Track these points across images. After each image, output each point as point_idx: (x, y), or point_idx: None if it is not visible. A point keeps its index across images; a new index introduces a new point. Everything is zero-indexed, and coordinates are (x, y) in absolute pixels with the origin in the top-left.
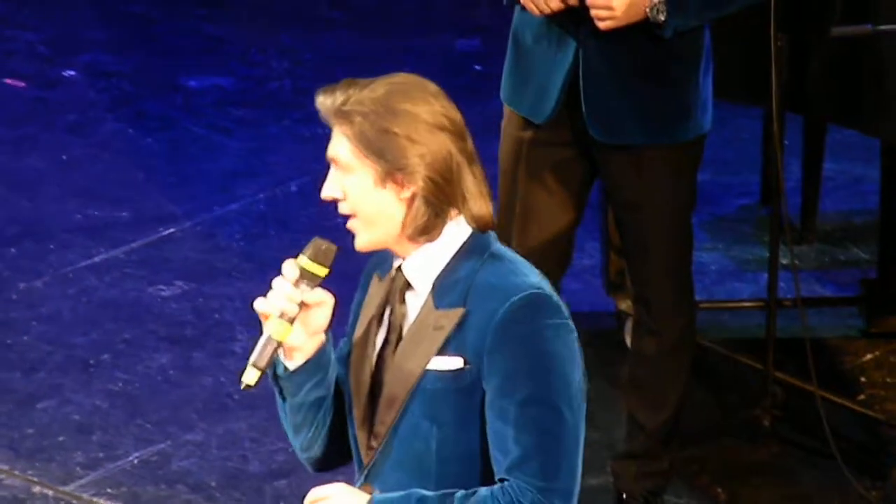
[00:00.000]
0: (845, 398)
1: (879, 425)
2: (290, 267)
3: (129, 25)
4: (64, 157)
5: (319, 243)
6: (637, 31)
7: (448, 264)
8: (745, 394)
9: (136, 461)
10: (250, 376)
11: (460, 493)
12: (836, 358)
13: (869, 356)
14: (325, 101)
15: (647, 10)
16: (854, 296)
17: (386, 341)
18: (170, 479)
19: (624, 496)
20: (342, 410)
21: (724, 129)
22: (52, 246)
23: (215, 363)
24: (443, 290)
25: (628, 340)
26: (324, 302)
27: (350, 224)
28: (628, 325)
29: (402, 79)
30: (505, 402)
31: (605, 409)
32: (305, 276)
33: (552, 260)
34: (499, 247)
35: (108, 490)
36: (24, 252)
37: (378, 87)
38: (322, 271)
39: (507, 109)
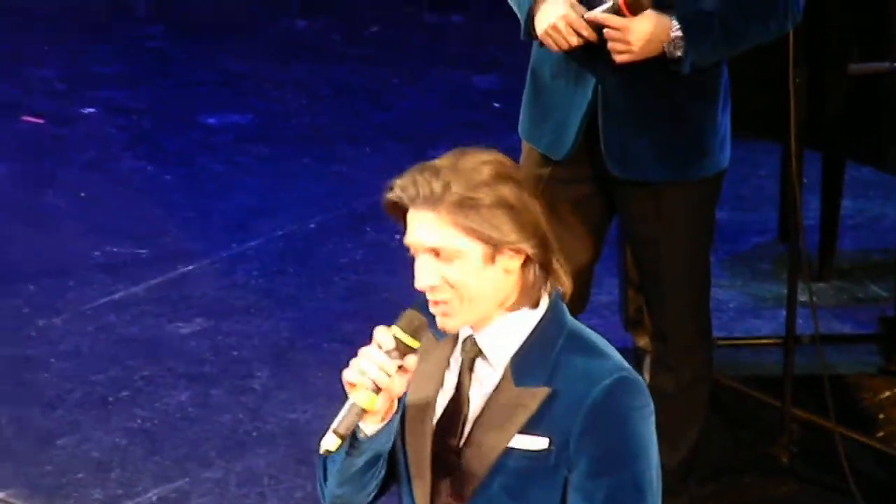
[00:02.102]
0: (863, 435)
1: None
2: (385, 336)
3: (146, 61)
4: (83, 194)
5: (413, 315)
6: (655, 68)
7: (526, 341)
8: (762, 430)
9: (154, 498)
10: (332, 443)
11: None
12: (854, 395)
13: (887, 393)
14: (415, 191)
15: (665, 45)
16: (872, 333)
17: (451, 407)
18: None
19: None
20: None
21: (742, 166)
22: (71, 283)
23: (234, 400)
24: (522, 366)
25: (647, 377)
26: (410, 370)
27: (445, 308)
28: (647, 362)
29: (483, 154)
30: (592, 485)
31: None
32: (399, 346)
33: (571, 296)
34: (574, 321)
35: None
36: (43, 289)
37: (469, 165)
38: (415, 344)
39: (525, 146)
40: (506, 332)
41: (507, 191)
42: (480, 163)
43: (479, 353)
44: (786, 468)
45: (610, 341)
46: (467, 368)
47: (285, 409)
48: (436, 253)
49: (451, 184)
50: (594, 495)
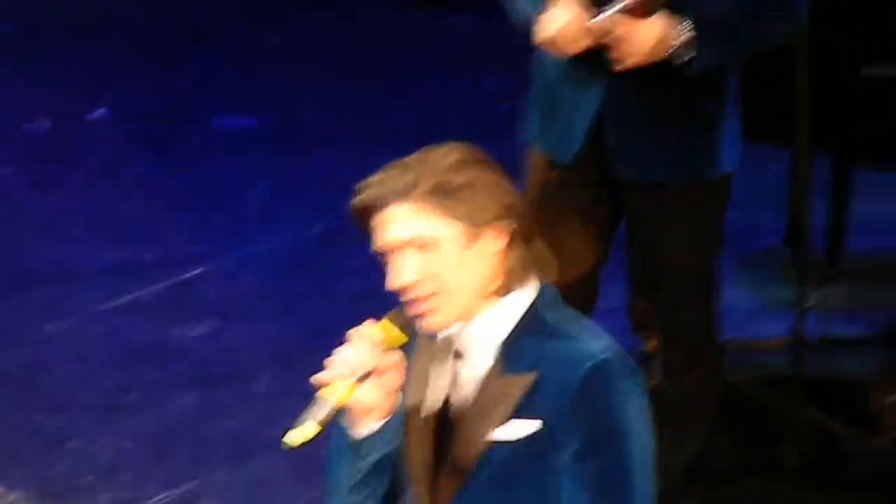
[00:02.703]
0: (873, 439)
1: None
2: (369, 333)
3: (155, 64)
4: (91, 198)
5: (398, 313)
6: (664, 70)
7: (513, 330)
8: (772, 433)
9: (163, 502)
10: (296, 437)
11: None
12: (863, 398)
13: None
14: (385, 187)
15: (671, 48)
16: (881, 336)
17: (439, 409)
18: None
19: None
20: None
21: (750, 168)
22: (78, 287)
23: (241, 404)
24: (511, 354)
25: (654, 381)
26: (398, 364)
27: (426, 306)
28: (654, 366)
29: (449, 145)
30: (581, 468)
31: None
32: (383, 342)
33: (578, 300)
34: (560, 309)
35: None
36: (51, 292)
37: (435, 155)
38: (402, 339)
39: (531, 150)
40: (492, 322)
41: (478, 171)
42: (447, 152)
43: (460, 350)
44: (795, 471)
45: (621, 345)
46: (451, 367)
47: (292, 414)
48: (414, 246)
49: (420, 174)
50: (582, 477)
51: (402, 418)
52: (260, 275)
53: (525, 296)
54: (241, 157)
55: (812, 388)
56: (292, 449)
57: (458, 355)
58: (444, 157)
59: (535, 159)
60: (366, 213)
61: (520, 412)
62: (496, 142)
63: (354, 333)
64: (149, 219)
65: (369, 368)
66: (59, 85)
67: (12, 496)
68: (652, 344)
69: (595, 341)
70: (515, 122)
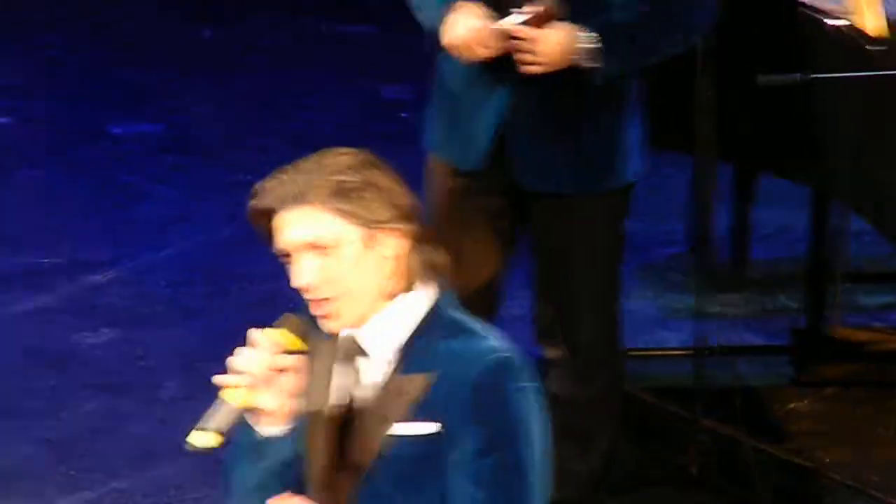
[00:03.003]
0: (774, 446)
1: (808, 474)
2: (260, 336)
3: (51, 70)
4: None
5: (292, 318)
6: (566, 79)
7: (414, 331)
8: (673, 441)
9: None
10: (199, 439)
11: None
12: (765, 406)
13: (798, 404)
14: (283, 190)
15: (575, 56)
16: (783, 344)
17: (336, 406)
18: None
19: None
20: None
21: (651, 177)
22: None
23: (142, 410)
24: (408, 355)
25: (557, 388)
26: (299, 367)
27: (327, 309)
28: (557, 374)
29: (344, 149)
30: (475, 465)
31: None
32: (277, 347)
33: (482, 308)
34: (455, 306)
35: None
36: None
37: (331, 159)
38: (298, 344)
39: (432, 158)
40: (388, 325)
41: (373, 173)
42: (341, 154)
43: (360, 350)
44: (696, 479)
45: (524, 354)
46: (351, 367)
47: (194, 420)
48: (314, 247)
49: (317, 177)
50: (477, 476)
51: (304, 420)
52: (163, 281)
53: (423, 297)
54: (144, 163)
55: (713, 397)
56: (196, 450)
57: (357, 356)
58: (340, 160)
59: (437, 167)
60: (264, 217)
61: (419, 410)
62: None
63: (254, 337)
64: (50, 224)
65: (268, 372)
66: None
67: None
68: (555, 352)
69: (494, 340)
70: (416, 130)
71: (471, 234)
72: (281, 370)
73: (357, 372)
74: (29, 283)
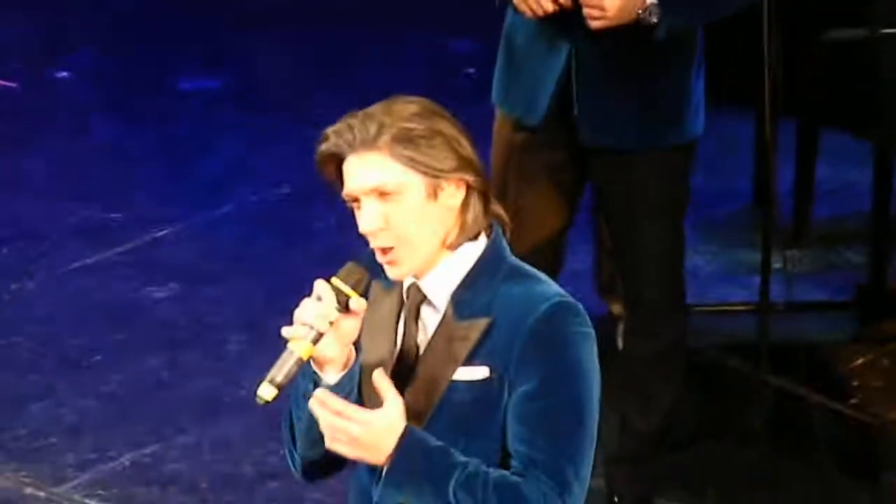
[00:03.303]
0: (837, 402)
1: (870, 429)
2: (324, 288)
3: (120, 26)
4: (57, 159)
5: (352, 267)
6: (630, 34)
7: (466, 276)
8: (736, 398)
9: (127, 463)
10: (268, 392)
11: (494, 473)
12: (828, 362)
13: (861, 360)
14: (352, 135)
15: (640, 11)
16: (846, 300)
17: (400, 357)
18: (161, 482)
19: (616, 499)
20: None
21: (717, 132)
22: (44, 247)
23: (207, 365)
24: (463, 302)
25: (621, 343)
26: (357, 316)
27: (390, 256)
28: (621, 329)
29: (409, 98)
30: (531, 407)
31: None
32: (339, 297)
33: (544, 263)
34: (514, 258)
35: (100, 492)
36: (17, 253)
37: (399, 106)
38: (353, 293)
39: (498, 112)
40: (448, 272)
41: (440, 122)
42: (409, 102)
43: (424, 298)
44: (759, 435)
45: (583, 308)
46: (413, 317)
47: (259, 375)
48: (380, 193)
49: (385, 122)
50: (530, 417)
51: (361, 369)
52: (227, 236)
53: (478, 247)
54: (208, 118)
55: (777, 353)
56: (265, 402)
57: (420, 304)
58: (408, 107)
59: (502, 121)
60: (331, 161)
61: (478, 355)
62: (463, 104)
63: (317, 287)
64: (115, 180)
65: (330, 321)
66: (23, 47)
67: None
68: (617, 308)
69: (547, 286)
70: (484, 84)
71: (534, 189)
72: (343, 318)
73: (419, 320)
74: (94, 238)
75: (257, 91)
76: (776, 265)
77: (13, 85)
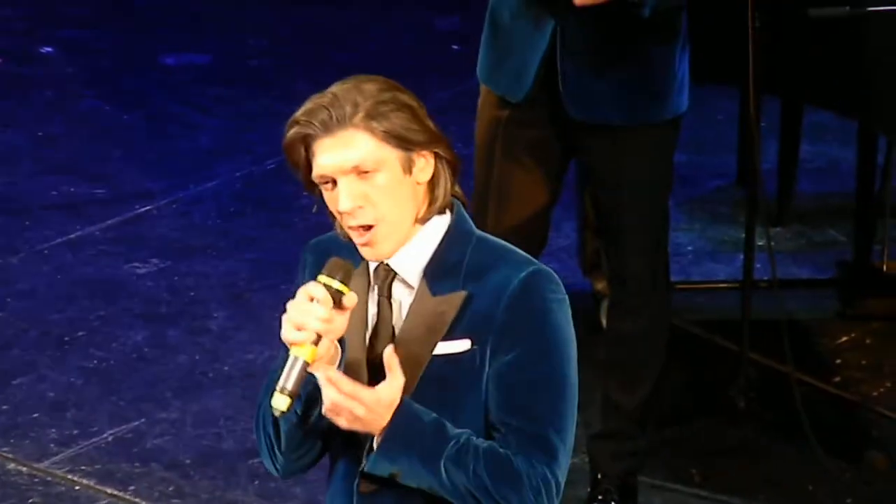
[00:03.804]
0: (820, 380)
1: (854, 407)
2: (318, 289)
3: (106, 1)
4: (40, 134)
5: (338, 261)
6: (615, 11)
7: (436, 251)
8: (720, 375)
9: (110, 438)
10: (283, 402)
11: (484, 444)
12: (811, 340)
13: (845, 338)
14: (326, 115)
15: None
16: (830, 278)
17: (374, 336)
18: (144, 457)
19: (599, 476)
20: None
21: (700, 110)
22: (27, 222)
23: (190, 341)
24: (436, 278)
25: (604, 321)
26: (349, 308)
27: (370, 236)
28: (604, 306)
29: (368, 76)
30: (515, 378)
31: (581, 389)
32: (332, 294)
33: (528, 239)
34: (482, 232)
35: (83, 467)
36: (0, 228)
37: (366, 84)
38: (346, 289)
39: (483, 88)
40: (418, 249)
41: (404, 96)
42: (371, 80)
43: (394, 275)
44: (743, 412)
45: (567, 285)
46: (385, 296)
47: (242, 351)
48: (357, 171)
49: (358, 100)
50: (515, 388)
51: (345, 353)
52: (210, 212)
53: (444, 221)
54: (193, 94)
55: (761, 330)
56: (282, 413)
57: (388, 282)
58: (372, 84)
59: (487, 98)
60: (300, 145)
61: (456, 329)
62: (449, 80)
63: (310, 290)
64: (99, 155)
65: (330, 324)
66: (7, 23)
67: None
68: (601, 283)
69: (520, 254)
70: (469, 60)
71: (519, 165)
72: (336, 314)
73: (392, 299)
74: (78, 213)
75: (242, 67)
76: (760, 243)
77: None
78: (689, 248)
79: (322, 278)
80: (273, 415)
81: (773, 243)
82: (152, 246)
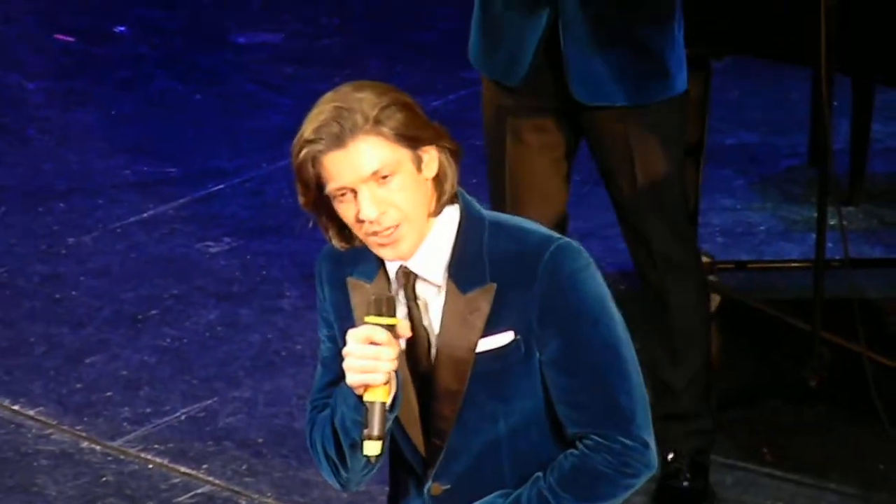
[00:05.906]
0: (892, 359)
1: None
2: (378, 332)
3: None
4: (113, 113)
5: (380, 298)
6: None
7: (454, 248)
8: (792, 354)
9: (183, 417)
10: (375, 448)
11: (551, 477)
12: (883, 319)
13: None
14: (338, 128)
15: None
16: None
17: (412, 343)
18: (217, 436)
19: (670, 456)
20: None
21: (774, 90)
22: (101, 201)
23: (263, 320)
24: (461, 274)
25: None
26: (402, 337)
27: (394, 235)
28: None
29: (361, 82)
30: (570, 358)
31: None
32: (392, 332)
33: (550, 221)
34: (490, 211)
35: (155, 446)
36: (74, 207)
37: (367, 91)
38: (397, 320)
39: (483, 78)
40: (436, 246)
41: (401, 96)
42: (364, 86)
43: (415, 277)
44: (814, 392)
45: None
46: (412, 298)
47: (314, 330)
48: (376, 177)
49: (364, 107)
50: (574, 369)
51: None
52: (282, 191)
53: (455, 209)
54: (265, 73)
55: (832, 309)
56: (378, 457)
57: (411, 285)
58: (369, 90)
59: (487, 86)
60: (315, 160)
61: (494, 322)
62: None
63: (370, 333)
64: (171, 134)
65: (393, 360)
66: (82, 2)
67: (32, 411)
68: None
69: (536, 234)
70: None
71: (530, 149)
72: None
73: (417, 300)
74: (151, 192)
75: (314, 46)
76: (832, 222)
77: (71, 39)
78: (762, 227)
79: (372, 319)
80: (340, 440)
81: (844, 223)
82: (225, 225)
